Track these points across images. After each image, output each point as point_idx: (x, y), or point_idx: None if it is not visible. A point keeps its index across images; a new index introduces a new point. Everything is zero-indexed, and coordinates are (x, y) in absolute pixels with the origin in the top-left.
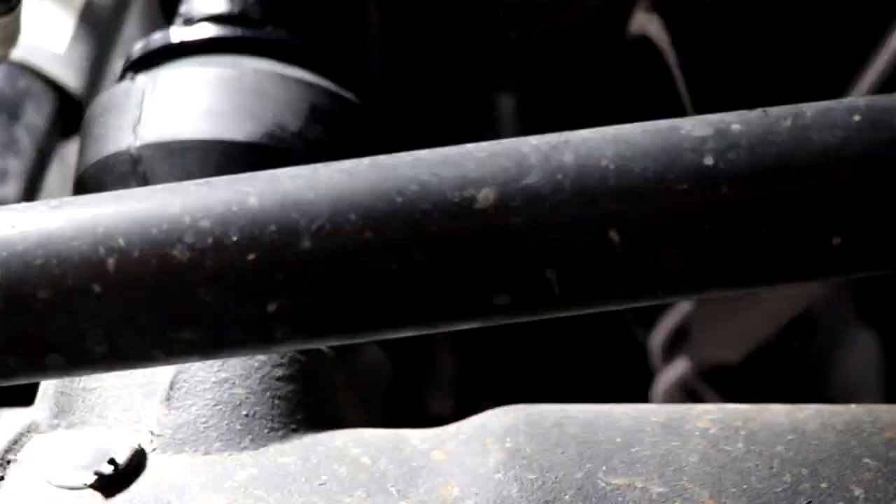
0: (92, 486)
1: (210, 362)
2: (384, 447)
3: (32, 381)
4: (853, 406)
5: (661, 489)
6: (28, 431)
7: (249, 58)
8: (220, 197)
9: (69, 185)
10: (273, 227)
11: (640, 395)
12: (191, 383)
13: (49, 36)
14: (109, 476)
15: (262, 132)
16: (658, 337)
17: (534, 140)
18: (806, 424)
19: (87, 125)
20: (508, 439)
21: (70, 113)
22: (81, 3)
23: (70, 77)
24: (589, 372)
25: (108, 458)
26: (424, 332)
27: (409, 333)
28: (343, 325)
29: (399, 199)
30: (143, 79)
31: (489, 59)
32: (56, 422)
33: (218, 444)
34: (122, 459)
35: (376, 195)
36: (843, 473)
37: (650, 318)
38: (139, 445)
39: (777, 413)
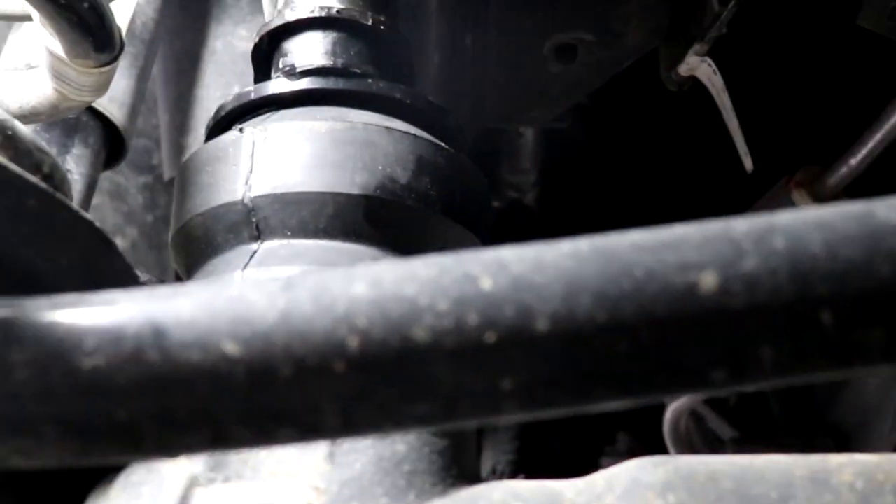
0: None
1: None
2: (542, 501)
3: (254, 449)
4: None
5: None
6: (191, 486)
7: (353, 110)
8: (453, 278)
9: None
10: (510, 310)
11: (652, 419)
12: (352, 440)
13: None
14: None
15: (374, 184)
16: None
17: (740, 224)
18: None
19: (189, 173)
20: (670, 495)
21: (114, 144)
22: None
23: (114, 109)
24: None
25: None
26: (638, 402)
27: (626, 405)
28: (566, 399)
29: (627, 284)
30: (252, 130)
31: (529, 92)
32: (213, 475)
33: (384, 499)
34: None
35: (605, 280)
36: None
37: None
38: (307, 502)
39: None
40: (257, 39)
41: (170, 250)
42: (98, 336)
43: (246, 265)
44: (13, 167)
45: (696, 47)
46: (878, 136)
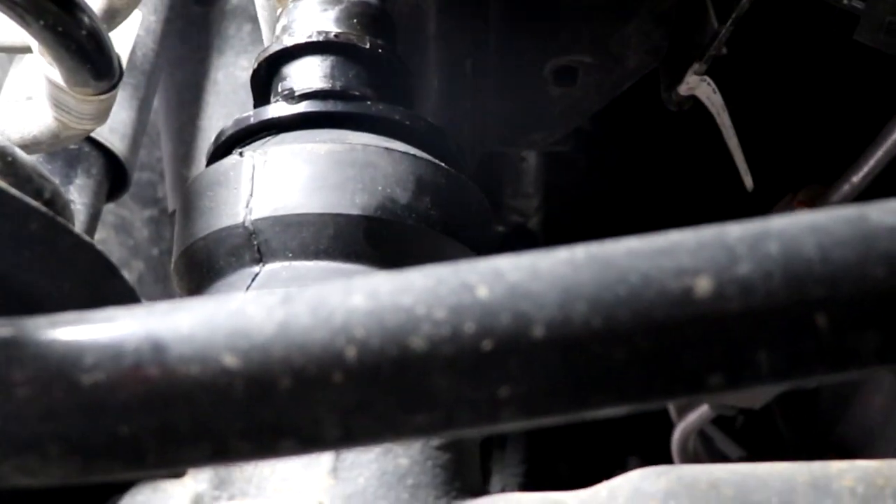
0: None
1: None
2: None
3: (256, 462)
4: None
5: None
6: None
7: (352, 132)
8: (449, 288)
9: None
10: (506, 317)
11: (661, 441)
12: (355, 454)
13: None
14: None
15: (374, 205)
16: None
17: (734, 229)
18: None
19: (190, 198)
20: (673, 503)
21: (117, 176)
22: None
23: (115, 140)
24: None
25: None
26: (636, 408)
27: (623, 411)
28: (565, 406)
29: (623, 290)
30: (251, 153)
31: (529, 115)
32: (217, 493)
33: None
34: None
35: (601, 286)
36: None
37: None
38: None
39: None
40: (256, 65)
41: (172, 275)
42: (97, 352)
43: (248, 287)
44: (14, 192)
45: (696, 67)
46: (879, 153)
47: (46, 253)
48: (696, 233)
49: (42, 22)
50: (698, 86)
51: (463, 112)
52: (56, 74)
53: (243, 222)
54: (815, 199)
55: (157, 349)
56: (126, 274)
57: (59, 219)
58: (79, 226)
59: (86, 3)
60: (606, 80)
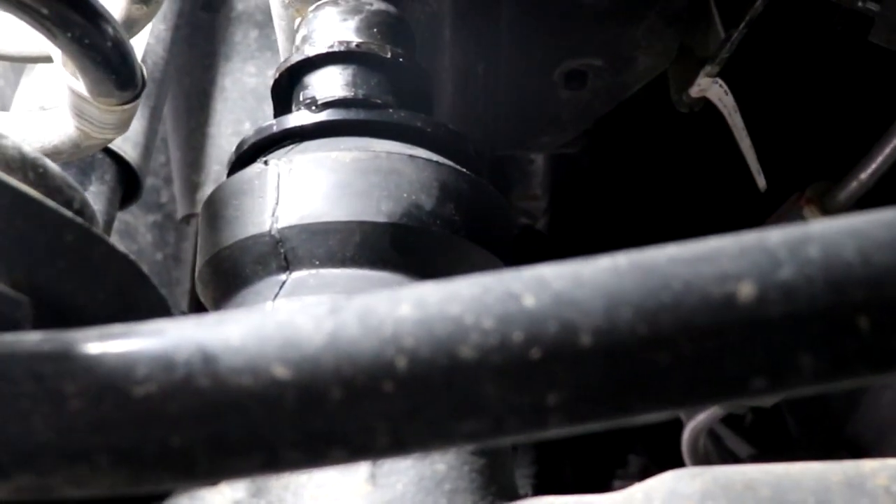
0: None
1: None
2: None
3: (305, 472)
4: None
5: None
6: None
7: (376, 139)
8: (496, 296)
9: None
10: (553, 326)
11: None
12: (392, 460)
13: None
14: None
15: (400, 211)
16: None
17: (775, 234)
18: None
19: (214, 207)
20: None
21: (129, 183)
22: None
23: (128, 149)
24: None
25: None
26: (681, 412)
27: (667, 415)
28: (611, 412)
29: (666, 297)
30: (276, 162)
31: (539, 118)
32: (255, 500)
33: None
34: None
35: (645, 293)
36: None
37: None
38: None
39: None
40: (277, 75)
41: (197, 284)
42: (149, 364)
43: (276, 296)
44: (50, 203)
45: (708, 68)
46: (887, 151)
47: (81, 264)
48: (737, 238)
49: (69, 34)
50: (710, 87)
51: (475, 116)
52: (79, 85)
53: (269, 230)
54: (823, 197)
55: (208, 360)
56: None
57: (94, 229)
58: None
59: (110, 14)
60: (616, 82)
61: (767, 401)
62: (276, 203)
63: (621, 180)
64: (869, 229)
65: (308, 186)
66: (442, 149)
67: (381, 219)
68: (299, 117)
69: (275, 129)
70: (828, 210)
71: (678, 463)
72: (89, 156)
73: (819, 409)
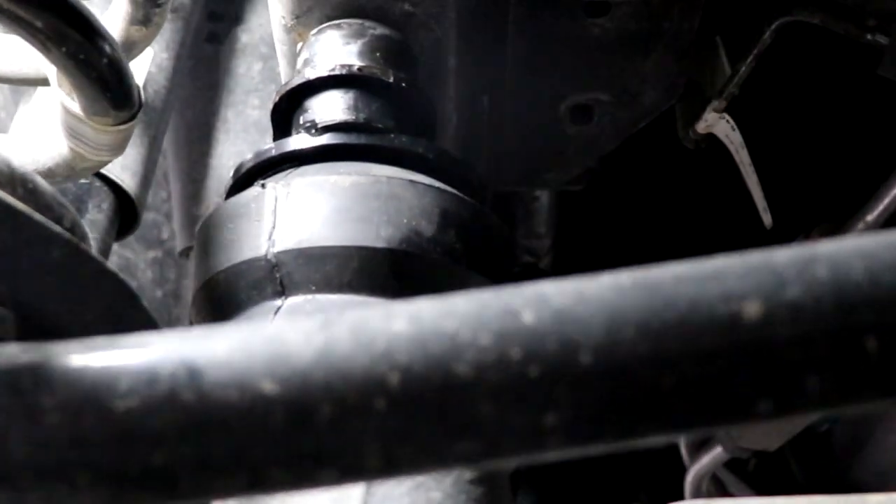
0: None
1: None
2: None
3: (293, 492)
4: None
5: None
6: None
7: (376, 164)
8: (494, 312)
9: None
10: (553, 343)
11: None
12: (387, 488)
13: None
14: None
15: (399, 237)
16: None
17: (782, 254)
18: None
19: (210, 231)
20: None
21: (126, 214)
22: None
23: (126, 178)
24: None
25: None
26: (684, 435)
27: (671, 438)
28: (612, 433)
29: (670, 315)
30: (274, 185)
31: (545, 154)
32: None
33: None
34: None
35: (648, 311)
36: None
37: None
38: None
39: None
40: (277, 99)
41: (190, 309)
42: (131, 378)
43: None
44: (39, 217)
45: (715, 104)
46: (894, 191)
47: (69, 281)
48: (743, 258)
49: (64, 49)
50: (717, 123)
51: (479, 148)
52: (74, 104)
53: (265, 255)
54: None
55: (194, 375)
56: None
57: (83, 245)
58: None
59: (107, 32)
60: (622, 117)
61: (773, 444)
62: (273, 227)
63: (627, 219)
64: (878, 250)
65: (306, 210)
66: (444, 175)
67: (380, 244)
68: (298, 140)
69: (273, 152)
70: None
71: None
72: (85, 180)
73: (823, 454)
